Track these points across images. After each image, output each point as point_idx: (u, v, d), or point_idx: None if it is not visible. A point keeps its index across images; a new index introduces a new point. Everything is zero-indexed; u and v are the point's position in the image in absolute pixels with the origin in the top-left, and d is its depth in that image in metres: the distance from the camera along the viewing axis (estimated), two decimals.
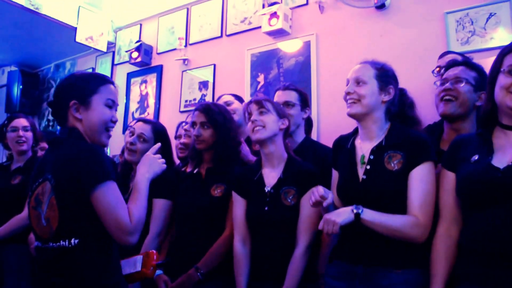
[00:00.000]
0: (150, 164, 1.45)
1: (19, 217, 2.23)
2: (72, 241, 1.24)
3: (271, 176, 1.70)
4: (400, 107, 1.52)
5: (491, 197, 1.13)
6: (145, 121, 2.16)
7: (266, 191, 1.67)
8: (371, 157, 1.43)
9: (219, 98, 2.45)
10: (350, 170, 1.47)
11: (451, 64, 1.69)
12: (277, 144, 1.70)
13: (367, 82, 1.46)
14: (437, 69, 1.96)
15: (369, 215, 1.31)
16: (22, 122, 2.46)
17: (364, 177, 1.42)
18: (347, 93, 1.47)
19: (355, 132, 1.57)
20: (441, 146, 1.60)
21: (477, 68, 1.62)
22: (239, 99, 2.40)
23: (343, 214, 1.31)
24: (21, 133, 2.41)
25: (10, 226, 2.22)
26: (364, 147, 1.48)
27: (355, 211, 1.31)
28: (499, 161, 1.17)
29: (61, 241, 1.24)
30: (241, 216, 1.71)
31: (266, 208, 1.64)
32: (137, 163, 2.00)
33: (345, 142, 1.56)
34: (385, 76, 1.49)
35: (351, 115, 1.48)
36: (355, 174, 1.45)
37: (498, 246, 1.09)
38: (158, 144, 1.58)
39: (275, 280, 1.57)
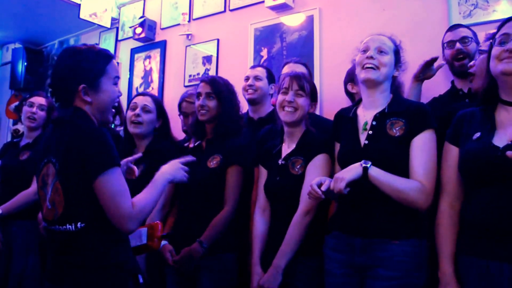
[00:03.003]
0: (175, 170, 1.45)
1: (26, 192, 2.27)
2: (78, 225, 1.25)
3: (288, 149, 1.74)
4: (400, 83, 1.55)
5: (491, 175, 1.17)
6: (143, 94, 2.22)
7: (280, 163, 1.71)
8: (374, 123, 1.45)
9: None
10: (352, 137, 1.49)
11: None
12: (301, 125, 1.73)
13: (388, 53, 1.49)
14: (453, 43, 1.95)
15: (376, 171, 1.32)
16: (39, 100, 2.48)
17: (366, 142, 1.44)
18: (369, 57, 1.46)
19: (357, 103, 1.59)
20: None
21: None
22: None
23: (352, 170, 1.32)
24: (34, 109, 2.44)
25: (17, 201, 2.25)
26: (367, 115, 1.50)
27: (363, 165, 1.31)
28: (500, 139, 1.19)
29: (67, 225, 1.25)
30: (262, 186, 1.77)
31: (277, 178, 1.69)
32: (142, 136, 2.10)
33: (347, 112, 1.58)
34: (399, 53, 1.53)
35: (367, 80, 1.47)
36: (357, 141, 1.47)
37: (498, 222, 1.13)
38: (191, 158, 1.61)
39: None
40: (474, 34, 1.97)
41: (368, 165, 1.32)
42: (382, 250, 1.35)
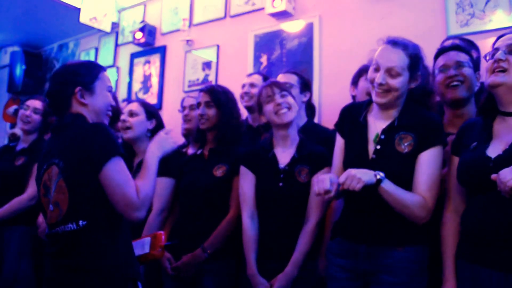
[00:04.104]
0: (162, 143, 1.48)
1: (20, 198, 2.26)
2: (80, 223, 1.26)
3: (283, 155, 1.73)
4: (421, 85, 1.46)
5: (484, 185, 1.19)
6: (129, 100, 2.27)
7: (281, 168, 1.71)
8: (382, 137, 1.43)
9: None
10: (360, 146, 1.47)
11: (442, 50, 1.69)
12: (293, 128, 1.75)
13: (401, 74, 1.39)
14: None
15: (388, 185, 1.31)
16: (35, 103, 2.47)
17: (374, 156, 1.42)
18: (379, 84, 1.40)
19: (368, 104, 1.54)
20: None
21: (467, 51, 1.65)
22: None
23: (367, 175, 1.29)
24: (28, 112, 2.43)
25: (10, 207, 2.24)
26: (378, 126, 1.47)
27: (378, 176, 1.30)
28: (495, 148, 1.22)
29: (69, 224, 1.27)
30: (250, 191, 1.74)
31: (280, 184, 1.69)
32: (136, 140, 2.11)
33: (357, 113, 1.53)
34: (417, 64, 1.43)
35: (378, 104, 1.45)
36: (365, 152, 1.45)
37: (488, 230, 1.17)
38: (169, 129, 1.63)
39: (284, 258, 1.61)
40: (469, 44, 1.97)
41: (382, 178, 1.31)
42: (386, 257, 1.36)
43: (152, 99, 3.49)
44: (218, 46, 3.21)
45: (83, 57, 4.14)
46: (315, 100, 2.66)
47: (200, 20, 3.35)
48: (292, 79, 2.11)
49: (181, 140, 2.57)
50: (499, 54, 1.24)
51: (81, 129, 1.32)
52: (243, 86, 2.39)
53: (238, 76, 2.92)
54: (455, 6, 2.29)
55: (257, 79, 2.40)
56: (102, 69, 1.46)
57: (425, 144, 1.38)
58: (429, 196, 1.35)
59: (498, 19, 2.17)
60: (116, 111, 2.06)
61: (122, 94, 3.79)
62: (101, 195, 1.26)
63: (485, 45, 1.95)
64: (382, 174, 1.32)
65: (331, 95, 2.62)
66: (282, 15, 2.86)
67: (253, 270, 1.64)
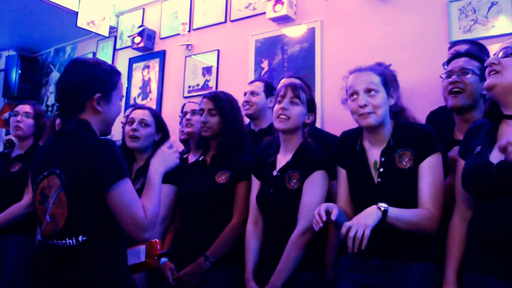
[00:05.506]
0: (165, 158, 1.45)
1: (18, 206, 2.21)
2: (80, 238, 1.24)
3: (283, 160, 1.71)
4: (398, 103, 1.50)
5: (487, 191, 1.19)
6: (141, 107, 2.19)
7: (274, 174, 1.70)
8: (383, 159, 1.44)
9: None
10: (363, 173, 1.47)
11: (454, 56, 1.71)
12: (297, 135, 1.71)
13: (378, 90, 1.43)
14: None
15: (394, 213, 1.30)
16: (25, 108, 2.41)
17: (379, 180, 1.43)
18: (361, 106, 1.41)
19: (360, 132, 1.55)
20: (454, 136, 1.64)
21: (480, 58, 1.65)
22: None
23: (372, 215, 1.28)
24: (19, 118, 2.37)
25: (7, 215, 2.19)
26: (375, 152, 1.48)
27: (383, 208, 1.28)
28: (497, 153, 1.20)
29: (67, 239, 1.24)
30: (254, 198, 1.75)
31: (271, 190, 1.67)
32: (141, 150, 2.08)
33: (352, 142, 1.54)
34: (389, 80, 1.48)
35: (369, 127, 1.44)
36: (370, 177, 1.45)
37: (493, 237, 1.16)
38: (173, 139, 1.60)
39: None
40: (480, 49, 1.94)
41: (387, 208, 1.29)
42: (399, 270, 1.36)
43: (151, 104, 3.46)
44: (218, 51, 3.19)
45: None
46: (317, 105, 2.64)
47: (200, 24, 3.33)
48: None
49: (179, 146, 2.54)
50: (492, 58, 1.26)
51: (88, 143, 1.27)
52: (245, 94, 2.37)
53: (239, 81, 2.92)
54: (458, 12, 2.29)
55: (258, 86, 2.37)
56: (119, 76, 1.42)
57: (423, 155, 1.40)
58: (434, 206, 1.36)
59: (501, 25, 2.17)
60: None
61: None
62: (103, 212, 1.24)
63: (489, 51, 1.94)
64: (385, 205, 1.29)
65: (333, 100, 2.60)
66: (283, 20, 2.84)
67: (248, 276, 1.64)
